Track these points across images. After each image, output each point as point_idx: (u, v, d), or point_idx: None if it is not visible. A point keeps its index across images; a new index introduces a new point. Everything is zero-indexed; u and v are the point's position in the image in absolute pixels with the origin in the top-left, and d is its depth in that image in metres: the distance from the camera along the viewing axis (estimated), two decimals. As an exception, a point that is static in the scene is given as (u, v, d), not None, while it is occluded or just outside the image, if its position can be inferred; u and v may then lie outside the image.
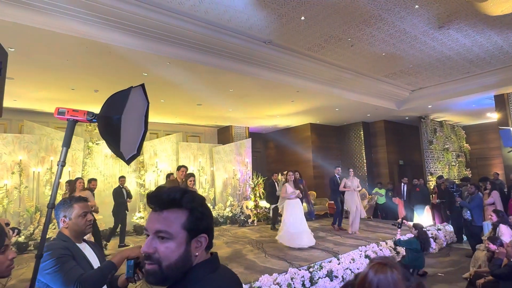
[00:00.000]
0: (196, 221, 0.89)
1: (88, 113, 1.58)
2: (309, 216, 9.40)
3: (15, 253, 1.23)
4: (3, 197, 6.86)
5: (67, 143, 1.56)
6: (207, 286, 0.86)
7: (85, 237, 1.94)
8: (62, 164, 1.56)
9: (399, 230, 5.51)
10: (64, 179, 7.78)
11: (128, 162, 1.66)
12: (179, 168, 5.80)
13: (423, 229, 5.10)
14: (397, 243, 5.30)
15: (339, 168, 8.20)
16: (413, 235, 5.17)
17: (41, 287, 1.59)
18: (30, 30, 4.24)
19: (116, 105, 1.54)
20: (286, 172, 6.99)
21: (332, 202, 8.25)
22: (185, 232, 0.88)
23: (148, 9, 4.56)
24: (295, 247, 5.83)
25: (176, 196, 0.89)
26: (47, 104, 7.70)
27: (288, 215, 6.14)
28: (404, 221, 5.76)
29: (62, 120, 1.57)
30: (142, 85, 1.71)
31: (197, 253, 0.90)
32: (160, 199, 0.90)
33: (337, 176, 7.95)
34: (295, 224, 6.03)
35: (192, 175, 5.35)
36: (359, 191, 7.69)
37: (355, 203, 7.37)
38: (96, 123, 1.58)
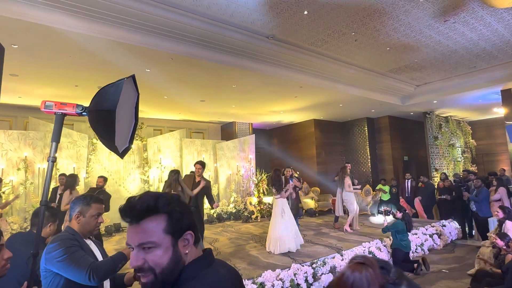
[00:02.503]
0: (177, 222, 0.87)
1: (78, 106, 1.53)
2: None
3: (10, 252, 1.23)
4: (9, 193, 6.93)
5: (56, 138, 1.53)
6: (200, 283, 0.85)
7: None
8: (53, 159, 1.53)
9: (385, 218, 5.61)
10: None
11: (122, 155, 1.64)
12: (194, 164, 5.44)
13: (406, 211, 5.30)
14: (385, 230, 5.46)
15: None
16: (398, 219, 5.43)
17: (48, 276, 1.61)
18: (34, 27, 4.25)
19: (109, 97, 1.49)
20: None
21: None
22: (169, 236, 0.86)
23: (149, 4, 4.54)
24: (279, 252, 5.34)
25: (150, 203, 0.86)
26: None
27: (279, 219, 5.56)
28: (389, 209, 5.88)
29: (49, 114, 1.53)
30: (133, 76, 1.68)
31: (186, 251, 0.88)
32: (134, 211, 0.86)
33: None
34: (287, 226, 5.53)
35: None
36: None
37: (352, 200, 7.20)
38: (87, 117, 1.53)
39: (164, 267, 0.84)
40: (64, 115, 1.55)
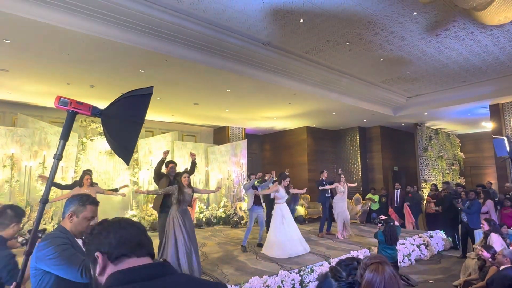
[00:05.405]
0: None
1: (94, 108, 1.54)
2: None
3: None
4: (-7, 191, 6.77)
5: (65, 136, 1.52)
6: None
7: None
8: (59, 157, 1.52)
9: (378, 225, 5.67)
10: (57, 174, 7.71)
11: (129, 162, 1.67)
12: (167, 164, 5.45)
13: (392, 224, 5.24)
14: (374, 235, 5.48)
15: (326, 172, 7.96)
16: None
17: (38, 274, 1.59)
18: (27, 22, 4.20)
19: (135, 109, 1.53)
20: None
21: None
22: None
23: (146, 5, 4.53)
24: (288, 256, 5.38)
25: None
26: (42, 97, 7.63)
27: (279, 222, 5.66)
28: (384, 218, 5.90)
29: (62, 110, 1.51)
30: (151, 88, 1.71)
31: (97, 272, 0.95)
32: None
33: (323, 180, 7.74)
34: (286, 231, 5.61)
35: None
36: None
37: (342, 208, 7.32)
38: (100, 119, 1.55)
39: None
40: (76, 113, 1.55)
